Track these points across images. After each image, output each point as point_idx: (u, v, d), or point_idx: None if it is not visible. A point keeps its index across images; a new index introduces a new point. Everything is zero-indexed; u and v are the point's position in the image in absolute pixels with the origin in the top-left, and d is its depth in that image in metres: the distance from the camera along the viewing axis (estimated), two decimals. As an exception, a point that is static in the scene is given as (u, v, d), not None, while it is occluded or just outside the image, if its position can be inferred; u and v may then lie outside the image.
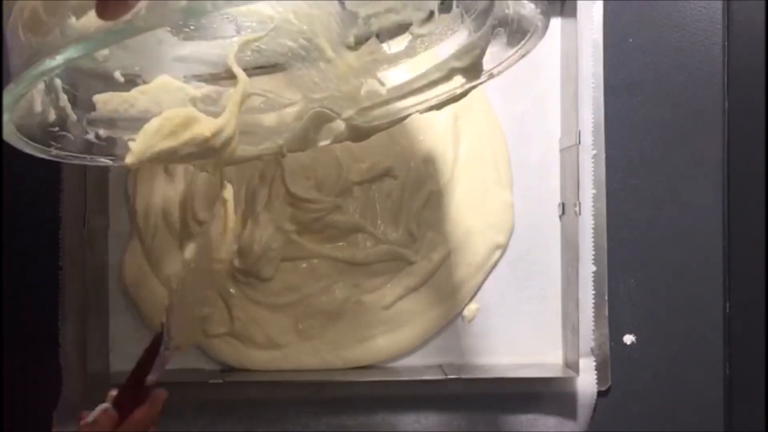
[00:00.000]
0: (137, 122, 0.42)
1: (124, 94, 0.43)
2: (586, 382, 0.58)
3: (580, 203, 0.56)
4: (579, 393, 0.58)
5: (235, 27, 0.42)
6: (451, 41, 0.44)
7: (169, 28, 0.42)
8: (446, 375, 0.56)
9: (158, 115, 0.40)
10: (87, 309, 0.56)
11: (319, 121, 0.45)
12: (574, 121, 0.57)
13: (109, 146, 0.44)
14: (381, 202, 0.59)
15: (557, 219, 0.60)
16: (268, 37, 0.41)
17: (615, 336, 0.59)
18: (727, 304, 0.59)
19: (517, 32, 0.41)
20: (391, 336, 0.59)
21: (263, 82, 0.46)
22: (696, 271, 0.59)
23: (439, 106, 0.45)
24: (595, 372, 0.58)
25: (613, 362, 0.59)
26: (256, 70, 0.45)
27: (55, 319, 0.58)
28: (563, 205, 0.59)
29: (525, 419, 0.58)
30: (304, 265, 0.59)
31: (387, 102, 0.45)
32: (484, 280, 0.60)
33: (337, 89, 0.44)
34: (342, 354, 0.59)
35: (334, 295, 0.59)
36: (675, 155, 0.60)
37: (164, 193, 0.59)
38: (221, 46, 0.43)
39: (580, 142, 0.56)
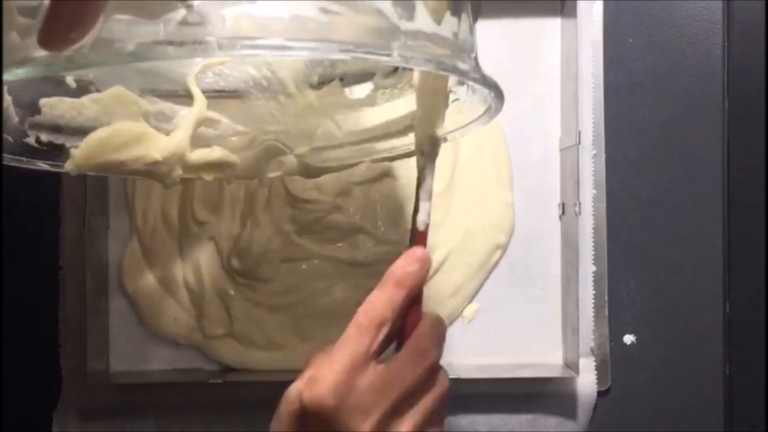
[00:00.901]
0: (82, 131, 0.40)
1: (73, 101, 0.42)
2: (586, 382, 0.58)
3: (580, 203, 0.56)
4: (579, 393, 0.58)
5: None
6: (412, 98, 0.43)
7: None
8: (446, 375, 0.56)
9: (106, 125, 0.39)
10: (87, 309, 0.56)
11: (271, 153, 0.44)
12: (574, 121, 0.57)
13: (49, 151, 0.43)
14: (381, 203, 0.59)
15: (557, 219, 0.60)
16: (232, 63, 0.41)
17: (615, 336, 0.59)
18: (727, 304, 0.59)
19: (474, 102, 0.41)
20: (392, 336, 0.59)
21: (218, 107, 0.45)
22: (696, 271, 0.59)
23: (393, 159, 0.45)
24: (595, 372, 0.58)
25: (613, 362, 0.59)
26: (213, 93, 0.45)
27: (55, 319, 0.58)
28: (563, 205, 0.59)
29: (525, 419, 0.58)
30: (304, 266, 0.59)
31: (341, 146, 0.45)
32: (485, 280, 0.60)
33: (293, 125, 0.44)
34: (342, 354, 0.59)
35: (334, 296, 0.59)
36: (675, 155, 0.60)
37: (163, 192, 0.59)
38: (183, 64, 0.42)
39: (580, 142, 0.56)
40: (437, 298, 0.59)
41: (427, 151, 0.41)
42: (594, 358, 0.58)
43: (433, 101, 0.40)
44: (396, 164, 0.58)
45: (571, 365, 0.57)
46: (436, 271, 0.59)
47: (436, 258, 0.59)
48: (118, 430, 0.58)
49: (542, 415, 0.58)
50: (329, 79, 0.44)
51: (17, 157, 0.42)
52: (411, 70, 0.42)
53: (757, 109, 0.58)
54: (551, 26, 0.60)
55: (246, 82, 0.43)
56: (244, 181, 0.58)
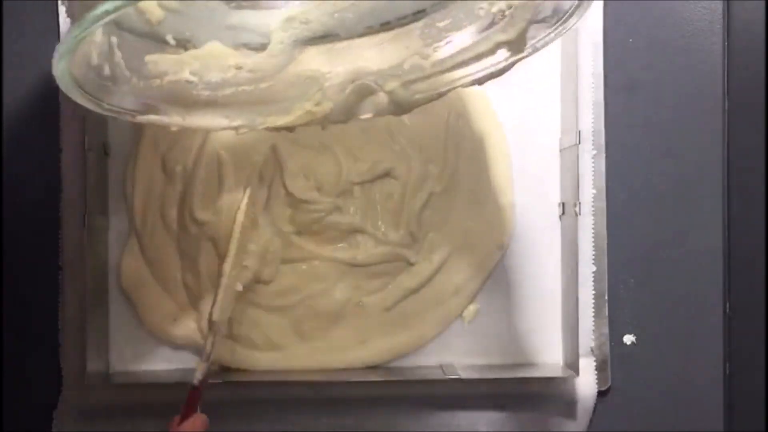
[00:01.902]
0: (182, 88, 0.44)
1: (175, 56, 0.45)
2: (586, 382, 0.58)
3: (580, 203, 0.56)
4: (579, 393, 0.58)
5: None
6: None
7: None
8: (446, 375, 0.56)
9: (204, 80, 0.43)
10: (87, 309, 0.56)
11: (362, 93, 0.45)
12: (574, 121, 0.57)
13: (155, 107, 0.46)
14: (381, 203, 0.59)
15: (557, 219, 0.60)
16: (317, 10, 0.41)
17: (615, 336, 0.59)
18: (727, 304, 0.59)
19: (558, 8, 0.41)
20: (392, 338, 0.59)
21: (311, 56, 0.47)
22: (696, 271, 0.59)
23: (481, 80, 0.45)
24: (595, 372, 0.58)
25: (613, 362, 0.59)
26: (304, 41, 0.46)
27: (55, 319, 0.58)
28: (563, 205, 0.59)
29: (525, 419, 0.58)
30: (304, 266, 0.58)
31: (430, 76, 0.45)
32: (485, 280, 0.60)
33: (381, 62, 0.45)
34: (343, 356, 0.59)
35: (334, 297, 0.58)
36: (675, 155, 0.60)
37: (162, 192, 0.59)
38: (269, 15, 0.45)
39: (580, 142, 0.56)
40: (438, 298, 0.59)
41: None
42: (594, 358, 0.58)
43: None
44: (396, 165, 0.58)
45: (571, 365, 0.57)
46: (436, 272, 0.59)
47: (436, 258, 0.59)
48: (118, 430, 0.58)
49: (542, 415, 0.58)
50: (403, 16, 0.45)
51: (130, 111, 0.44)
52: None
53: (757, 108, 0.58)
54: (551, 26, 0.60)
55: (332, 27, 0.44)
56: (243, 182, 0.58)
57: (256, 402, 0.58)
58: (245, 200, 0.55)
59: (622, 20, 0.60)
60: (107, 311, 0.59)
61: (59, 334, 0.58)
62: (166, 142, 0.59)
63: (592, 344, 0.58)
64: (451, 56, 0.45)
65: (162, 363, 0.59)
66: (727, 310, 0.59)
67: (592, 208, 0.59)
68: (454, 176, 0.59)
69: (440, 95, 0.45)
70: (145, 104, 0.45)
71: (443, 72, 0.45)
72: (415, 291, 0.59)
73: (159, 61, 0.44)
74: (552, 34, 0.42)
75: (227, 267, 0.53)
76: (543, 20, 0.42)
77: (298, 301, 0.58)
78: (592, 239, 0.59)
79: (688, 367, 0.59)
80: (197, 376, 0.51)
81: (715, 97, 0.60)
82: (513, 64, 0.43)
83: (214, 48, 0.45)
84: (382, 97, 0.45)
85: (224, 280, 0.53)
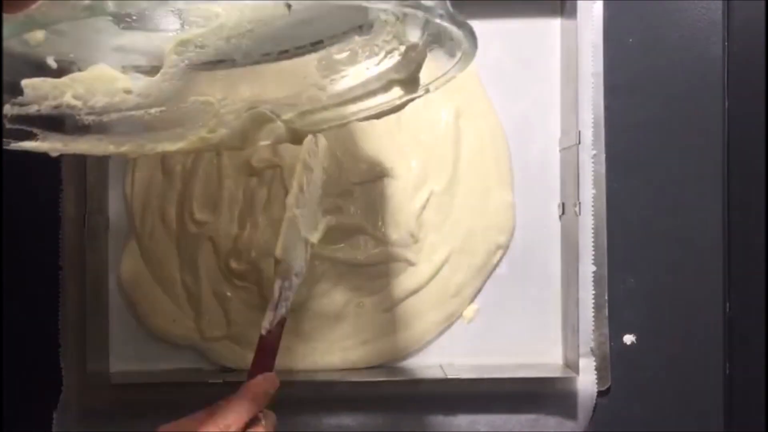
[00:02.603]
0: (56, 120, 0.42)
1: (56, 80, 0.41)
2: (586, 382, 0.58)
3: (580, 203, 0.56)
4: (579, 393, 0.58)
5: (180, 21, 0.42)
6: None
7: (110, 17, 0.41)
8: (446, 375, 0.56)
9: (88, 105, 0.40)
10: (87, 309, 0.56)
11: (259, 121, 0.44)
12: (574, 121, 0.57)
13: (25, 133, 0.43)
14: (381, 203, 0.59)
15: (557, 219, 0.60)
16: (213, 35, 0.41)
17: (615, 336, 0.59)
18: (727, 304, 0.59)
19: (451, 51, 0.41)
20: (393, 338, 0.59)
21: (206, 81, 0.45)
22: (696, 271, 0.59)
23: (378, 116, 0.45)
24: (595, 372, 0.58)
25: (613, 362, 0.59)
26: (199, 66, 0.44)
27: (55, 319, 0.58)
28: (563, 205, 0.59)
29: (525, 419, 0.58)
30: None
31: (326, 108, 0.45)
32: (486, 280, 0.60)
33: (275, 92, 0.44)
34: (343, 356, 0.59)
35: (334, 298, 0.58)
36: (675, 155, 0.60)
37: (162, 192, 0.59)
38: (161, 38, 0.42)
39: (580, 142, 0.56)
40: (439, 298, 0.59)
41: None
42: (594, 358, 0.58)
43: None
44: (397, 165, 0.58)
45: (571, 365, 0.57)
46: (437, 272, 0.59)
47: (437, 258, 0.59)
48: (118, 430, 0.57)
49: (542, 415, 0.58)
50: (301, 45, 0.44)
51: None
52: (387, 24, 0.42)
53: (757, 109, 0.58)
54: (551, 26, 0.60)
55: (228, 53, 0.43)
56: (243, 181, 0.58)
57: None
58: (309, 139, 0.50)
59: (622, 20, 0.60)
60: (107, 311, 0.59)
61: (59, 334, 0.58)
62: (166, 142, 0.59)
63: (592, 344, 0.58)
64: (348, 90, 0.45)
65: (162, 363, 0.59)
66: (727, 310, 0.59)
67: (592, 208, 0.59)
68: (454, 176, 0.59)
69: (336, 127, 0.45)
70: (19, 130, 0.42)
71: (339, 105, 0.45)
72: (415, 291, 0.59)
73: (37, 86, 0.41)
74: (442, 79, 0.42)
75: (291, 199, 0.49)
76: (434, 58, 0.42)
77: (299, 302, 0.58)
78: (592, 239, 0.59)
79: (688, 367, 0.59)
80: (264, 325, 0.49)
81: (715, 97, 0.60)
82: (407, 102, 0.44)
83: (100, 71, 0.42)
84: (279, 126, 0.45)
85: (288, 214, 0.49)
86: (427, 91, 0.43)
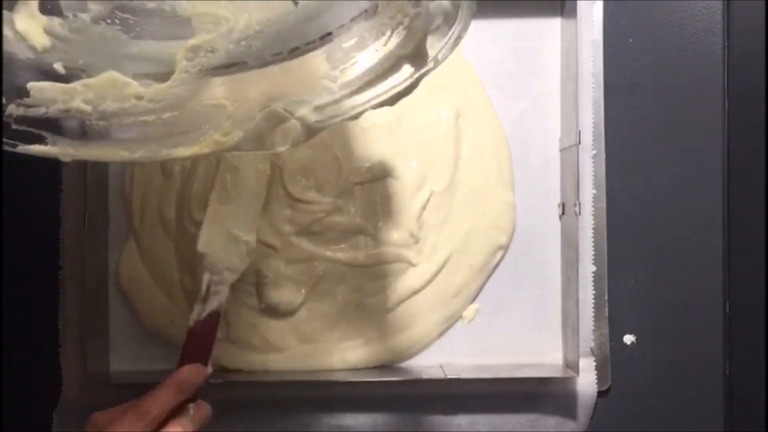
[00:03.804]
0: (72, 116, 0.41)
1: (64, 86, 0.41)
2: (586, 382, 0.58)
3: (580, 203, 0.56)
4: (579, 393, 0.58)
5: (190, 28, 0.42)
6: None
7: (119, 26, 0.41)
8: (446, 375, 0.56)
9: (98, 110, 0.41)
10: (87, 309, 0.56)
11: (273, 121, 0.44)
12: (574, 121, 0.57)
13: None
14: (382, 204, 0.59)
15: (557, 219, 0.60)
16: (223, 39, 0.41)
17: (615, 336, 0.59)
18: (727, 304, 0.59)
19: (448, 15, 0.41)
20: (394, 339, 0.59)
21: (219, 84, 0.45)
22: (696, 271, 0.59)
23: (391, 101, 0.45)
24: (595, 372, 0.58)
25: (613, 362, 0.59)
26: (210, 71, 0.44)
27: (55, 319, 0.58)
28: (563, 205, 0.59)
29: (525, 419, 0.58)
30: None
31: (339, 100, 0.45)
32: (486, 280, 0.60)
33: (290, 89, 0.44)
34: (344, 357, 0.59)
35: (335, 298, 0.58)
36: (675, 155, 0.60)
37: (161, 192, 0.59)
38: (172, 46, 0.42)
39: (580, 142, 0.56)
40: (439, 299, 0.59)
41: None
42: (594, 358, 0.58)
43: None
44: (397, 164, 0.58)
45: (571, 365, 0.57)
46: (437, 272, 0.59)
47: (437, 259, 0.59)
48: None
49: (542, 415, 0.58)
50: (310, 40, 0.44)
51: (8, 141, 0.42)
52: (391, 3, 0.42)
53: (757, 109, 0.58)
54: (551, 26, 0.60)
55: (239, 55, 0.43)
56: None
57: (256, 402, 0.58)
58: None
59: (622, 20, 0.60)
60: (107, 311, 0.59)
61: (59, 334, 0.58)
62: (166, 142, 0.59)
63: (592, 344, 0.58)
64: (359, 77, 0.45)
65: (162, 363, 0.59)
66: (727, 310, 0.59)
67: (592, 208, 0.59)
68: (454, 176, 0.59)
69: (352, 118, 0.45)
70: (27, 133, 0.42)
71: (352, 94, 0.45)
72: (416, 292, 0.59)
73: (44, 89, 0.41)
74: (448, 44, 0.42)
75: (212, 195, 0.51)
76: (437, 30, 0.42)
77: (299, 303, 0.58)
78: (592, 239, 0.59)
79: (688, 367, 0.59)
80: (192, 317, 0.50)
81: (715, 97, 0.60)
82: (418, 80, 0.43)
83: (110, 77, 0.42)
84: (294, 125, 0.45)
85: (209, 208, 0.51)
86: (437, 62, 0.43)
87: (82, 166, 0.56)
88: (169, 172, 0.58)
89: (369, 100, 0.44)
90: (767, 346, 0.57)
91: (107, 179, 0.60)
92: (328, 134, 0.58)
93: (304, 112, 0.44)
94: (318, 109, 0.44)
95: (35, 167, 0.58)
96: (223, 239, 0.51)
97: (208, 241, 0.51)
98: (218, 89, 0.45)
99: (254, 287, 0.58)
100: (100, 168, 0.59)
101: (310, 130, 0.44)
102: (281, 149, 0.45)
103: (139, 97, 0.42)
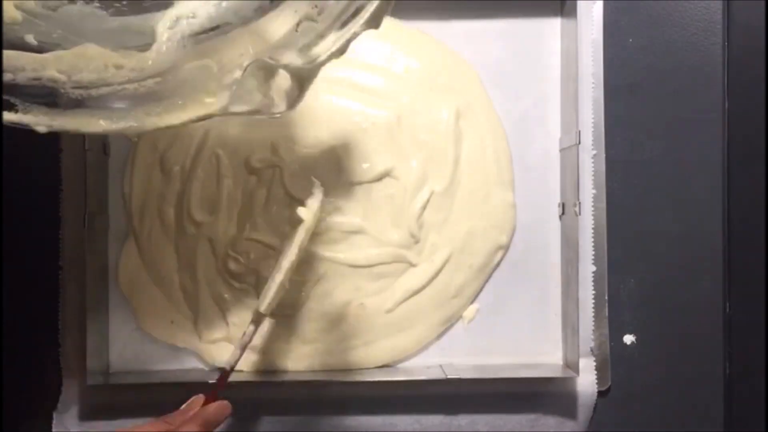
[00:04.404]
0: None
1: (36, 55, 0.39)
2: (586, 382, 0.58)
3: (580, 203, 0.56)
4: (579, 393, 0.58)
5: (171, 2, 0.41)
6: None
7: (98, 3, 0.40)
8: (446, 375, 0.56)
9: (73, 79, 0.39)
10: (87, 309, 0.56)
11: (261, 75, 0.42)
12: (574, 121, 0.57)
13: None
14: (382, 204, 0.59)
15: (557, 219, 0.60)
16: (203, 4, 0.40)
17: (615, 336, 0.59)
18: (727, 304, 0.59)
19: None
20: (394, 339, 0.59)
21: (201, 48, 0.43)
22: (696, 271, 0.59)
23: (377, 22, 0.42)
24: (595, 372, 0.58)
25: (613, 362, 0.59)
26: (192, 38, 0.42)
27: (55, 319, 0.58)
28: (563, 205, 0.59)
29: (525, 419, 0.58)
30: (304, 268, 0.58)
31: (322, 35, 0.43)
32: (486, 281, 0.60)
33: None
34: (344, 358, 0.59)
35: (335, 299, 0.58)
36: (675, 155, 0.60)
37: (160, 192, 0.59)
38: (153, 18, 0.41)
39: (580, 142, 0.56)
40: (440, 299, 0.59)
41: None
42: (594, 358, 0.58)
43: None
44: (397, 165, 0.58)
45: (571, 365, 0.57)
46: (437, 273, 0.59)
47: (437, 259, 0.59)
48: (118, 430, 0.57)
49: (542, 415, 0.58)
50: None
51: None
52: None
53: (757, 109, 0.58)
54: (551, 26, 0.60)
55: (220, 18, 0.42)
56: (242, 181, 0.58)
57: (256, 402, 0.58)
58: (317, 204, 0.52)
59: (622, 20, 0.60)
60: (107, 311, 0.59)
61: (59, 334, 0.58)
62: (165, 142, 0.59)
63: (592, 344, 0.58)
64: (334, 5, 0.44)
65: (162, 363, 0.59)
66: (727, 310, 0.59)
67: (592, 208, 0.59)
68: (454, 176, 0.59)
69: (339, 53, 0.42)
70: None
71: (334, 25, 0.44)
72: (416, 292, 0.59)
73: (12, 56, 0.39)
74: None
75: (285, 263, 0.50)
76: None
77: (299, 303, 0.58)
78: (592, 239, 0.59)
79: (688, 367, 0.59)
80: (230, 361, 0.52)
81: (715, 97, 0.60)
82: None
83: (84, 49, 0.40)
84: (284, 78, 0.43)
85: (279, 276, 0.50)
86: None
87: (83, 166, 0.56)
88: (168, 172, 0.58)
89: (353, 31, 0.43)
90: (767, 346, 0.57)
91: (107, 179, 0.60)
92: (328, 134, 0.58)
93: (290, 57, 0.42)
94: (303, 50, 0.43)
95: (36, 167, 0.59)
96: (277, 297, 0.52)
97: (269, 304, 0.51)
98: (202, 53, 0.43)
99: (254, 287, 0.58)
100: (101, 168, 0.58)
101: (300, 79, 0.42)
102: (278, 110, 0.43)
103: (119, 67, 0.41)
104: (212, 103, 0.41)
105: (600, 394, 0.58)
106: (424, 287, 0.59)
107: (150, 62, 0.41)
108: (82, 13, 0.41)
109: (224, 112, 0.42)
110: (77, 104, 0.41)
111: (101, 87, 0.41)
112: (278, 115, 0.44)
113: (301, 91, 0.43)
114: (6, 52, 0.39)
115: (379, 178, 0.58)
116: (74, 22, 0.41)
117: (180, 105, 0.42)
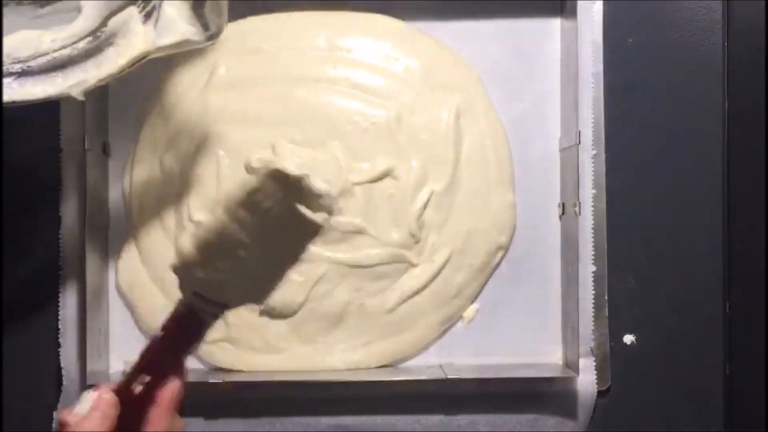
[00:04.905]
0: None
1: None
2: (586, 382, 0.58)
3: (580, 203, 0.56)
4: (579, 393, 0.58)
5: None
6: None
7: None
8: (446, 375, 0.56)
9: (12, 57, 0.43)
10: (87, 309, 0.56)
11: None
12: (574, 121, 0.57)
13: None
14: (382, 204, 0.59)
15: (557, 219, 0.60)
16: None
17: (615, 336, 0.59)
18: (727, 304, 0.59)
19: None
20: (394, 339, 0.59)
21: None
22: (696, 271, 0.59)
23: None
24: (595, 372, 0.58)
25: (613, 362, 0.59)
26: None
27: (55, 319, 0.58)
28: (563, 205, 0.59)
29: (525, 419, 0.58)
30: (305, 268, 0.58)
31: None
32: (486, 281, 0.60)
33: None
34: (344, 357, 0.59)
35: (335, 299, 0.58)
36: (675, 155, 0.60)
37: (160, 192, 0.59)
38: None
39: (580, 142, 0.56)
40: (440, 299, 0.59)
41: None
42: (594, 358, 0.58)
43: None
44: (397, 164, 0.58)
45: (571, 365, 0.57)
46: (438, 272, 0.59)
47: (438, 259, 0.59)
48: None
49: (542, 415, 0.58)
50: None
51: None
52: None
53: (757, 109, 0.58)
54: (551, 26, 0.60)
55: None
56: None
57: (256, 402, 0.58)
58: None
59: (622, 20, 0.60)
60: (107, 311, 0.59)
61: (59, 334, 0.58)
62: (164, 143, 0.59)
63: (592, 344, 0.58)
64: None
65: (162, 363, 0.59)
66: (727, 310, 0.59)
67: (592, 208, 0.59)
68: (454, 176, 0.59)
69: None
70: None
71: None
72: (416, 292, 0.59)
73: None
74: None
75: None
76: None
77: (299, 303, 0.58)
78: (592, 239, 0.58)
79: (688, 367, 0.59)
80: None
81: (715, 97, 0.60)
82: None
83: (21, 36, 0.44)
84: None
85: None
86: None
87: (83, 166, 0.56)
88: (168, 172, 0.58)
89: None
90: (767, 346, 0.57)
91: (107, 179, 0.60)
92: (328, 134, 0.58)
93: None
94: None
95: (36, 166, 0.59)
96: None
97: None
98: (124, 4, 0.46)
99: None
100: (101, 168, 0.59)
101: None
102: (204, 36, 0.45)
103: (53, 41, 0.44)
104: (140, 41, 0.44)
105: (600, 394, 0.58)
106: (424, 287, 0.59)
107: (79, 26, 0.45)
108: (17, 11, 0.46)
109: (155, 48, 0.45)
110: (18, 75, 0.44)
111: (39, 58, 0.45)
112: (210, 42, 0.46)
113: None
114: None
115: (380, 178, 0.58)
116: (8, 16, 0.46)
117: (114, 54, 0.45)
